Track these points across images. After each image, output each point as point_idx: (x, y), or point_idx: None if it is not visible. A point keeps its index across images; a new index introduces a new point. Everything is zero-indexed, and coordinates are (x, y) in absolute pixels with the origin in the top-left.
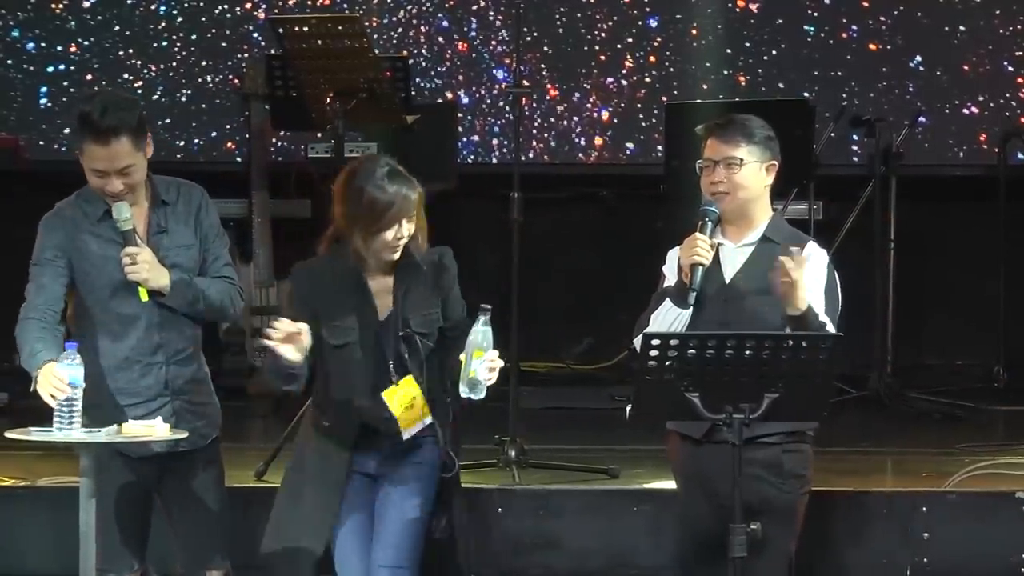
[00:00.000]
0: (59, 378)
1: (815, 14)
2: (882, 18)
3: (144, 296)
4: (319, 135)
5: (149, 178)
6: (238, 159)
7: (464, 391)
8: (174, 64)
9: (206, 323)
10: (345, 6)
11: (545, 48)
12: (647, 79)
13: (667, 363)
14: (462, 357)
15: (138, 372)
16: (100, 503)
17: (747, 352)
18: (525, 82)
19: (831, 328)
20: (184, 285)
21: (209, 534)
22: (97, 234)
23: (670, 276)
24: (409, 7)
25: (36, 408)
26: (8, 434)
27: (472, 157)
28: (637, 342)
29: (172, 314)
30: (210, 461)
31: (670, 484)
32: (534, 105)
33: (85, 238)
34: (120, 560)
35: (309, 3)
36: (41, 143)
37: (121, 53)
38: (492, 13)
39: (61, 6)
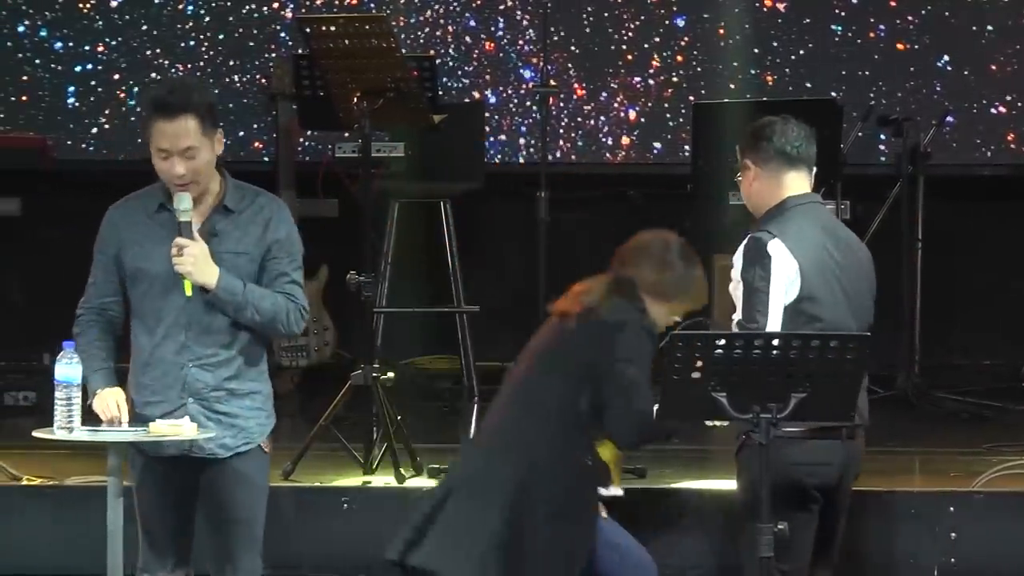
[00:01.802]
0: (115, 403)
1: (842, 13)
2: (910, 17)
3: (188, 290)
4: (346, 135)
5: (224, 180)
6: (266, 158)
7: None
8: (201, 64)
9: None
10: (372, 6)
11: (572, 47)
12: (674, 78)
13: (694, 363)
14: None
15: (161, 371)
16: (140, 504)
17: (774, 352)
18: (552, 82)
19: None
20: (233, 287)
21: (231, 539)
22: (148, 226)
23: None
24: (436, 6)
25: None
26: (35, 433)
27: (499, 157)
28: None
29: (203, 317)
30: (243, 469)
31: (697, 484)
32: (561, 105)
33: (139, 229)
34: (157, 562)
35: (336, 3)
36: (69, 143)
37: (148, 53)
38: (519, 12)
39: (89, 6)
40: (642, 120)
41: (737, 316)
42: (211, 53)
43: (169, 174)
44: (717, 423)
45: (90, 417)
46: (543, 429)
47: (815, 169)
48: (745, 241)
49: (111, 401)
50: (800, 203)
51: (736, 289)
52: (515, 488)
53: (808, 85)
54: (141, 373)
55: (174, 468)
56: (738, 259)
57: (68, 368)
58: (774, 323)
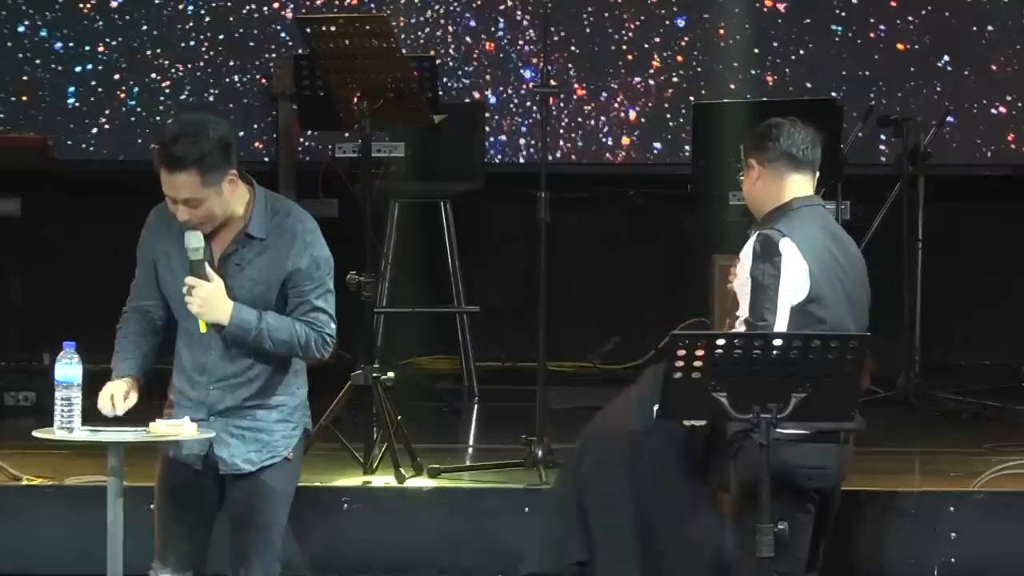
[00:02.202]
0: (114, 398)
1: (843, 14)
2: (910, 17)
3: (202, 327)
4: (346, 135)
5: (252, 201)
6: (266, 159)
7: None
8: (202, 64)
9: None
10: (372, 6)
11: (572, 48)
12: (675, 78)
13: (694, 363)
14: None
15: (187, 382)
16: (159, 504)
17: (774, 352)
18: (552, 82)
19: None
20: (246, 324)
21: (247, 543)
22: (179, 240)
23: None
24: (436, 7)
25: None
26: (35, 433)
27: (499, 157)
28: None
29: (223, 341)
30: (269, 481)
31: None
32: (561, 105)
33: (170, 242)
34: (168, 562)
35: (336, 3)
36: (69, 143)
37: (149, 53)
38: (519, 13)
39: (89, 6)
40: (642, 120)
41: (743, 313)
42: (211, 53)
43: (177, 217)
44: (696, 423)
45: (90, 417)
46: (667, 443)
47: (818, 174)
48: (755, 237)
49: (109, 393)
50: (805, 204)
51: (743, 287)
52: (634, 492)
53: (808, 85)
54: (175, 376)
55: (198, 477)
56: (746, 256)
57: (68, 368)
58: (782, 322)
